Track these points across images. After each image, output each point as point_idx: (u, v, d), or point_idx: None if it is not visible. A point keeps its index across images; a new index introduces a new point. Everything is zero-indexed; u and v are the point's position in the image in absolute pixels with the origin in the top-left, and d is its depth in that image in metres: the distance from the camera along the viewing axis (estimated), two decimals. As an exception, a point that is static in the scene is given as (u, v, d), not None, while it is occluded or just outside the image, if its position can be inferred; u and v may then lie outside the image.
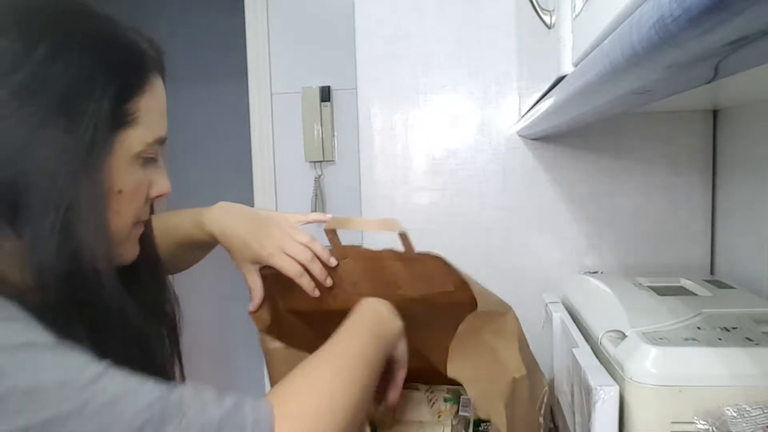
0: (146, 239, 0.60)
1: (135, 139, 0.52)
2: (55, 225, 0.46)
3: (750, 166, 0.84)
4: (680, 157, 0.98)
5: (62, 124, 0.46)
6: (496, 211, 1.04)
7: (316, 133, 2.00)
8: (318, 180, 2.04)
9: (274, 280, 0.75)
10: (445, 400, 0.88)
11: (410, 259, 0.72)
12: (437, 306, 0.71)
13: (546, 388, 0.75)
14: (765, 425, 0.49)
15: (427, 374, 0.91)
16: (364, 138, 1.07)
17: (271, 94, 2.05)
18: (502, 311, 0.72)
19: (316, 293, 0.72)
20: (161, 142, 0.55)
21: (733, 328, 0.59)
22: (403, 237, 0.69)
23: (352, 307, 0.71)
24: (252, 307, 0.73)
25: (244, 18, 2.03)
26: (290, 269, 0.70)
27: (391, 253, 0.73)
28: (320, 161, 2.03)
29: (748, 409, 0.50)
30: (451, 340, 0.71)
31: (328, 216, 0.74)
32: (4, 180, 0.45)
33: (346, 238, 0.75)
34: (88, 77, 0.47)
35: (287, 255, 0.70)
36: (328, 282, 0.73)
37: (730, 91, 0.69)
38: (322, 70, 2.01)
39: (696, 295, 0.75)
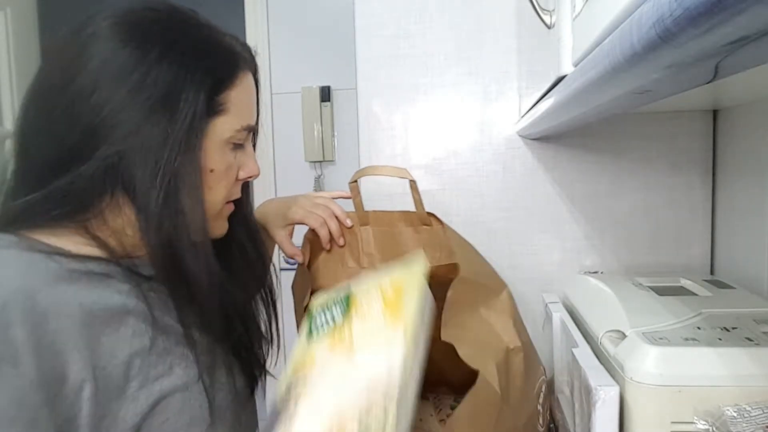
0: (243, 217, 0.69)
1: (225, 125, 0.59)
2: (159, 195, 0.55)
3: (750, 166, 0.84)
4: (680, 157, 0.98)
5: (167, 112, 0.55)
6: (496, 211, 1.04)
7: (316, 133, 2.00)
8: (318, 180, 2.04)
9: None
10: (452, 408, 0.89)
11: (421, 222, 0.82)
12: (443, 286, 0.72)
13: (543, 376, 0.76)
14: (765, 425, 0.49)
15: (432, 378, 0.92)
16: (364, 138, 1.07)
17: (271, 94, 2.05)
18: (497, 287, 0.74)
19: (327, 246, 0.83)
20: (249, 129, 0.62)
21: (733, 328, 0.59)
22: (413, 185, 0.80)
23: None
24: (301, 258, 0.82)
25: (244, 18, 2.03)
26: (313, 221, 0.81)
27: (403, 215, 0.83)
28: (320, 161, 2.03)
29: (748, 409, 0.50)
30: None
31: (348, 193, 0.86)
32: (119, 152, 0.54)
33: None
34: (187, 75, 0.56)
35: (311, 212, 0.82)
36: (341, 242, 0.83)
37: (730, 91, 0.69)
38: (322, 70, 2.01)
39: (696, 295, 0.75)
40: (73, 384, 0.49)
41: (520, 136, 1.03)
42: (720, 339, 0.57)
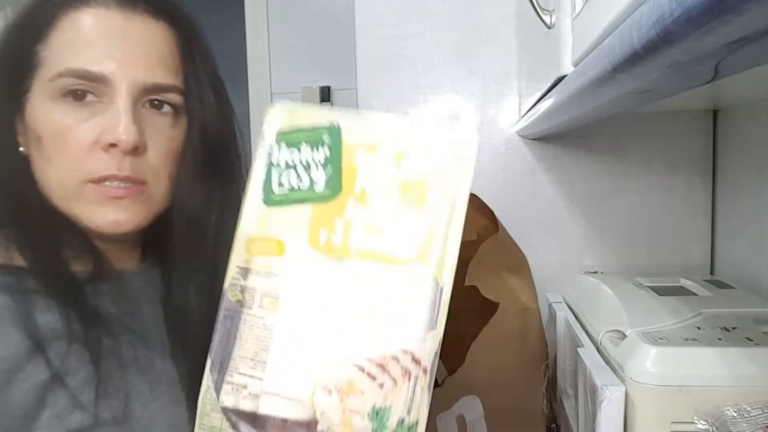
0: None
1: (43, 78, 0.50)
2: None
3: (750, 166, 0.84)
4: (680, 157, 0.98)
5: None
6: (496, 211, 1.04)
7: (316, 133, 2.00)
8: (318, 180, 2.04)
9: None
10: None
11: None
12: (460, 267, 0.74)
13: (547, 361, 0.76)
14: (765, 425, 0.49)
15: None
16: (364, 138, 1.07)
17: (271, 95, 2.05)
18: (520, 259, 0.79)
19: None
20: (85, 77, 0.49)
21: (733, 328, 0.59)
22: None
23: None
24: None
25: (244, 18, 2.03)
26: None
27: None
28: (320, 161, 2.03)
29: (748, 409, 0.50)
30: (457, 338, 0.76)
31: None
32: None
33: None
34: (10, 32, 0.52)
35: None
36: None
37: (730, 91, 0.69)
38: (322, 70, 2.01)
39: (696, 295, 0.75)
40: None
41: (520, 136, 1.03)
42: (720, 339, 0.57)
